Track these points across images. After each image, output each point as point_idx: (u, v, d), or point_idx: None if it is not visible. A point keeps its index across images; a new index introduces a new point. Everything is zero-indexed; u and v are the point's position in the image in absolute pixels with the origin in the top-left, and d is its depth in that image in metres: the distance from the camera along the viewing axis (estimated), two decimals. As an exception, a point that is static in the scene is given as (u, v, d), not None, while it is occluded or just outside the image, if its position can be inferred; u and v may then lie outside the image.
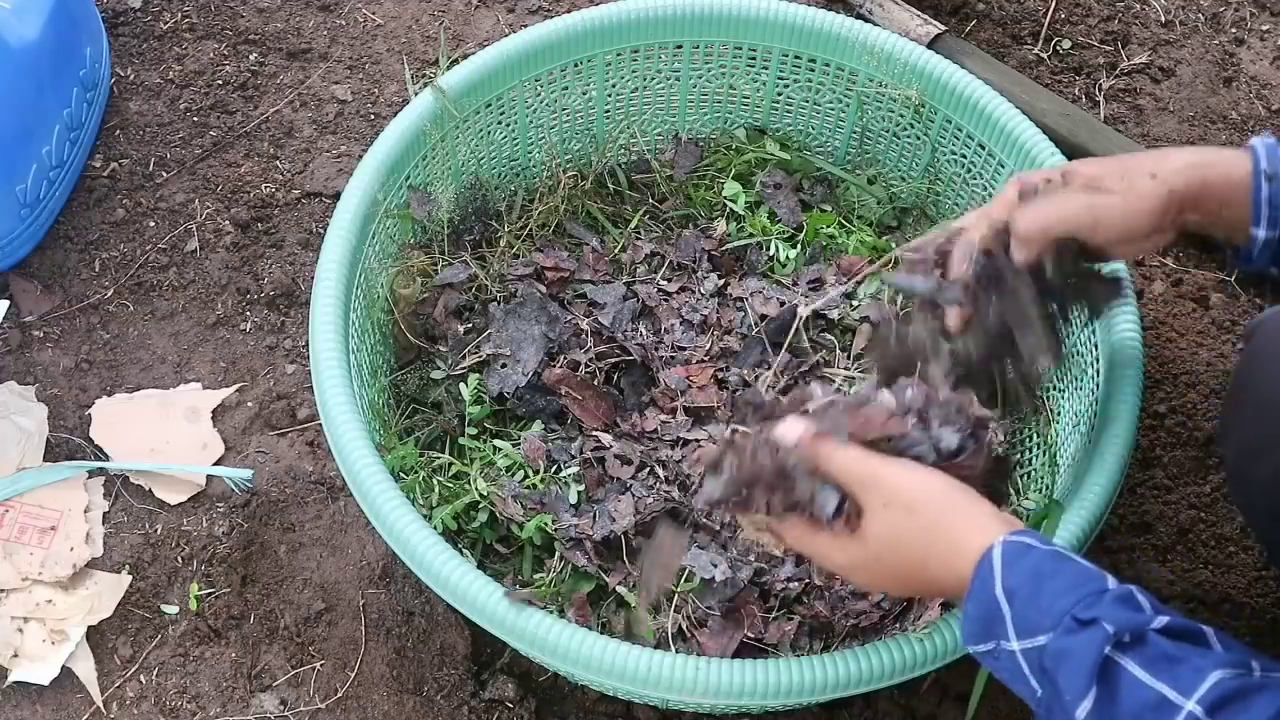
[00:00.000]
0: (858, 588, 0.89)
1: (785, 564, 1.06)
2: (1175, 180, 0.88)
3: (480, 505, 1.08)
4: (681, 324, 1.20)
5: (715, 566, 1.04)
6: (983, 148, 1.20)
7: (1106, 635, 0.71)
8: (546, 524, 1.06)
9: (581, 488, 1.09)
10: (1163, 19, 1.59)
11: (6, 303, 1.28)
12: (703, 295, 1.21)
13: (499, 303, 1.18)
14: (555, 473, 1.11)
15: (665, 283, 1.22)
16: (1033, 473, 1.14)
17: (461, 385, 1.14)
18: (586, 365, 1.15)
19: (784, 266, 1.25)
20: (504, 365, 1.15)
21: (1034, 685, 0.75)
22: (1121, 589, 0.74)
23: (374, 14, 1.57)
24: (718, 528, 1.08)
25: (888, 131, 1.28)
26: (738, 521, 0.90)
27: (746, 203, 1.27)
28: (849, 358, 1.18)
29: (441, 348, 1.18)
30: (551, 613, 0.94)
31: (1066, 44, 1.56)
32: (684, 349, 1.18)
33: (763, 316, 1.20)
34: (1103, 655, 0.71)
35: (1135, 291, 1.09)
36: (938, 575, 0.80)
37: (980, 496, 0.81)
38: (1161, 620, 0.72)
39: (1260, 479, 0.89)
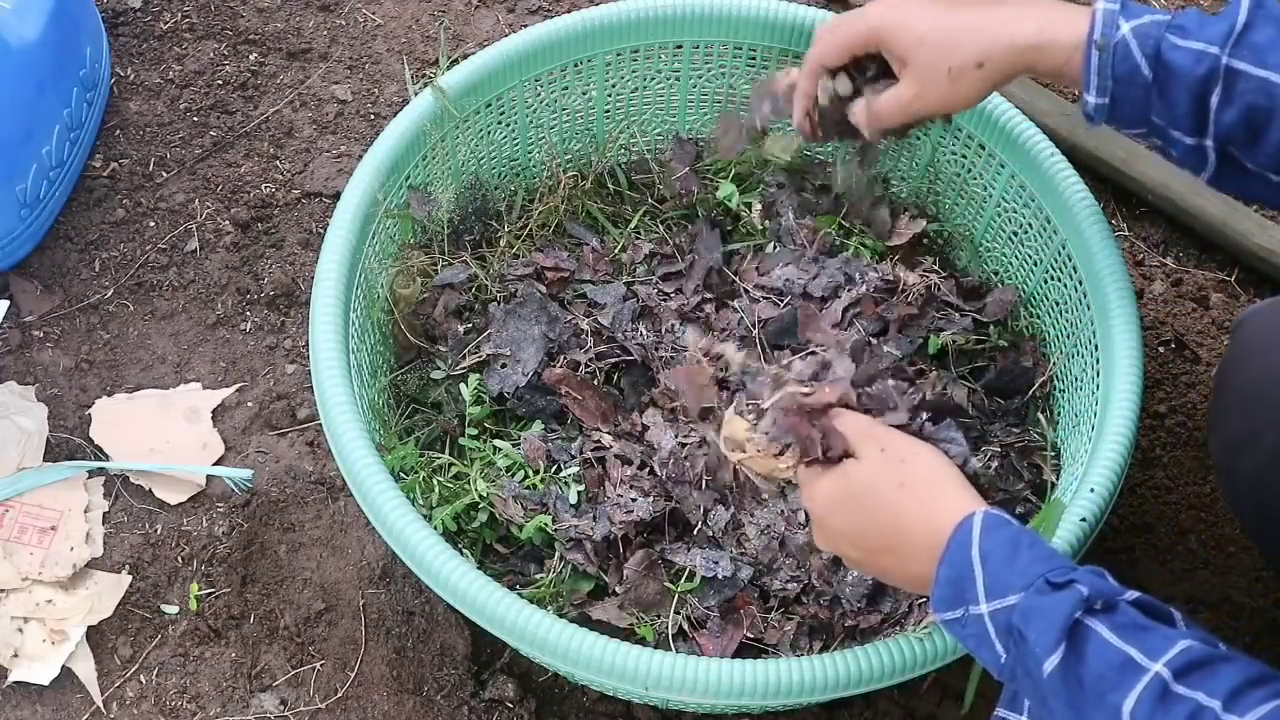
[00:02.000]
0: (823, 539, 0.90)
1: (783, 569, 1.06)
2: (1003, 69, 0.91)
3: (480, 505, 1.08)
4: (682, 323, 1.20)
5: (717, 564, 1.04)
6: (983, 148, 1.20)
7: (1080, 596, 0.73)
8: (546, 524, 1.06)
9: (581, 488, 1.09)
10: (1163, 19, 1.59)
11: (6, 303, 1.28)
12: (707, 296, 1.21)
13: (499, 303, 1.18)
14: (555, 473, 1.11)
15: (664, 283, 1.22)
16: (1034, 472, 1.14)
17: (461, 385, 1.14)
18: (586, 365, 1.15)
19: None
20: (504, 365, 1.15)
21: (999, 650, 0.77)
22: (1094, 567, 0.76)
23: (374, 14, 1.57)
24: (716, 534, 1.08)
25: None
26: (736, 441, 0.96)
27: (743, 202, 1.27)
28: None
29: (441, 348, 1.18)
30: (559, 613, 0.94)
31: (1066, 44, 1.56)
32: (685, 349, 1.18)
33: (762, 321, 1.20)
34: (1074, 616, 0.72)
35: (1135, 291, 1.09)
36: (912, 530, 0.82)
37: (969, 482, 0.84)
38: (1133, 595, 0.74)
39: (1244, 473, 0.89)
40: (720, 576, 1.04)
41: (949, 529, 0.80)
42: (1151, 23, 0.87)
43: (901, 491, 0.83)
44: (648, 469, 1.11)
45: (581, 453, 1.12)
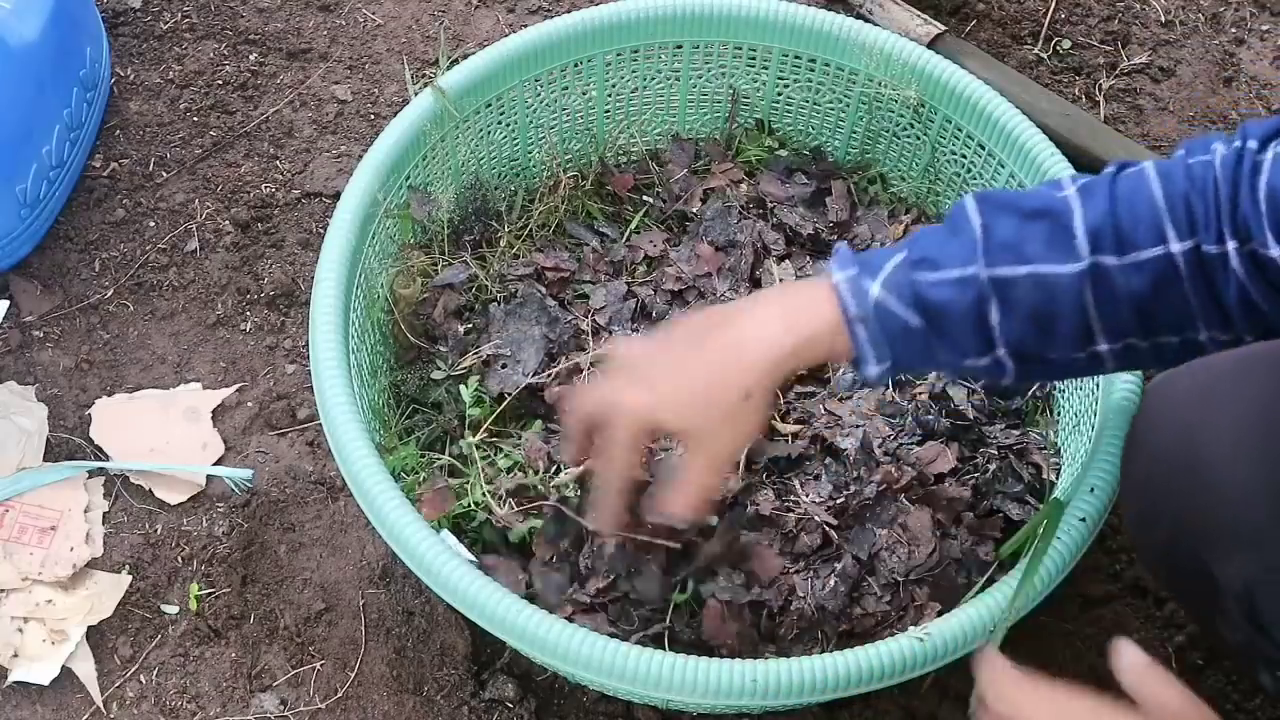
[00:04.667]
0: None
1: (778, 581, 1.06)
2: (772, 385, 0.85)
3: (479, 505, 1.07)
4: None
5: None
6: (983, 148, 1.20)
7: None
8: (533, 527, 1.05)
9: (579, 492, 1.09)
10: (1163, 19, 1.60)
11: (6, 303, 1.28)
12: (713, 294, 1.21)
13: (499, 303, 1.18)
14: (555, 473, 1.10)
15: (671, 284, 1.22)
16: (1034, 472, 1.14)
17: (461, 387, 1.14)
18: (588, 368, 1.15)
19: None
20: (504, 365, 1.15)
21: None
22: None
23: (374, 14, 1.57)
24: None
25: (888, 131, 1.28)
26: None
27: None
28: None
29: (441, 348, 1.18)
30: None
31: (1066, 44, 1.56)
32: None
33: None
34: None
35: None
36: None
37: None
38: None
39: (1153, 550, 0.87)
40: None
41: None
42: (895, 268, 0.82)
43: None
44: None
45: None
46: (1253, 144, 0.77)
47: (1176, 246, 0.78)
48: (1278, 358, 0.76)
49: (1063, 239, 0.79)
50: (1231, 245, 0.76)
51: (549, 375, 1.14)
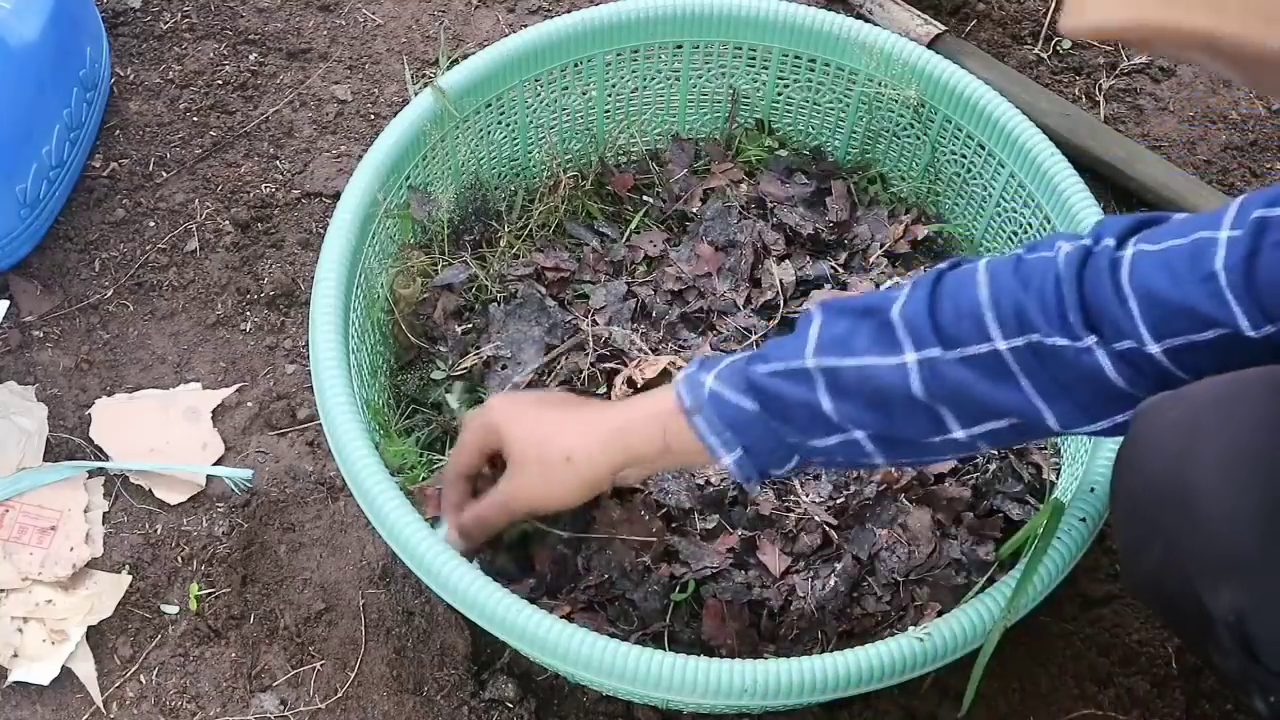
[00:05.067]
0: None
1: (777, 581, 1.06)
2: (593, 460, 0.92)
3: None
4: (682, 322, 1.20)
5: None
6: (983, 148, 1.20)
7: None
8: (528, 529, 1.05)
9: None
10: (1163, 19, 1.59)
11: (6, 303, 1.28)
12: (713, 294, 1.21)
13: (499, 303, 1.18)
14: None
15: (673, 283, 1.22)
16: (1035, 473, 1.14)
17: (447, 395, 1.14)
18: (589, 368, 1.15)
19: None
20: (504, 366, 1.15)
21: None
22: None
23: (374, 14, 1.57)
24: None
25: (888, 131, 1.28)
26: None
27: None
28: None
29: (441, 348, 1.18)
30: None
31: (1066, 44, 1.56)
32: (687, 348, 1.18)
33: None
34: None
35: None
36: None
37: None
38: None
39: (1142, 576, 0.87)
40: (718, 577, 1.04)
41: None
42: (731, 365, 0.88)
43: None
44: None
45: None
46: (1109, 241, 0.80)
47: (1003, 344, 0.81)
48: (1262, 388, 0.76)
49: (886, 334, 0.84)
50: (1090, 339, 0.79)
51: (549, 375, 1.14)
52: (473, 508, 0.98)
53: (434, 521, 0.99)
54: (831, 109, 1.29)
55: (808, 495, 1.08)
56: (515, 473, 0.95)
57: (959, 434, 0.85)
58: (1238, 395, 0.76)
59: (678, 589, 1.04)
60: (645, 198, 1.29)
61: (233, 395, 1.29)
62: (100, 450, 1.25)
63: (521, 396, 1.05)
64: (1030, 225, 1.17)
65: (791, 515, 1.07)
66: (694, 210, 1.27)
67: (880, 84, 1.23)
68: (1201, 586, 0.76)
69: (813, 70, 1.26)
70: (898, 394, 0.83)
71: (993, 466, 1.11)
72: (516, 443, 0.95)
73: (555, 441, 0.93)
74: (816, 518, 1.06)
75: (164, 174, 1.43)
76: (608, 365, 1.15)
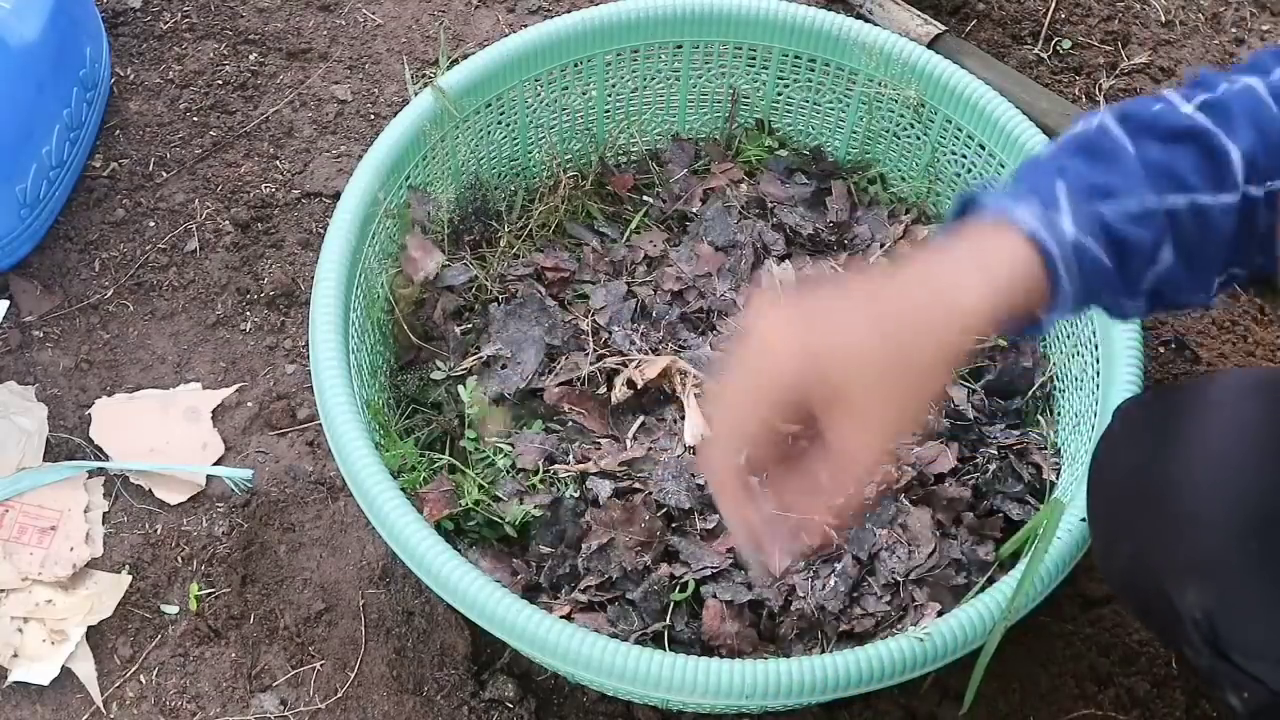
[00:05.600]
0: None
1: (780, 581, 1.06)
2: (956, 356, 0.68)
3: (479, 504, 1.08)
4: (682, 323, 1.20)
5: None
6: (983, 148, 1.20)
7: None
8: (529, 512, 1.05)
9: (578, 493, 1.09)
10: (1163, 19, 1.59)
11: (6, 303, 1.28)
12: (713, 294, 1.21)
13: (499, 303, 1.18)
14: (555, 473, 1.10)
15: (672, 283, 1.22)
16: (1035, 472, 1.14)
17: (460, 387, 1.14)
18: (588, 369, 1.15)
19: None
20: (504, 366, 1.15)
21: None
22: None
23: (374, 14, 1.57)
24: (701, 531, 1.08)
25: (888, 131, 1.28)
26: None
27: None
28: None
29: (441, 348, 1.17)
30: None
31: (1066, 44, 1.56)
32: (688, 348, 1.18)
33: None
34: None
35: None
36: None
37: None
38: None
39: (1115, 574, 0.87)
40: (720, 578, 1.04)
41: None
42: (1074, 202, 0.69)
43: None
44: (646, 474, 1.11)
45: (584, 457, 1.11)
46: None
47: None
48: (1236, 393, 0.76)
49: (1215, 166, 0.70)
50: None
51: (549, 376, 1.14)
52: (804, 495, 0.72)
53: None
54: (831, 109, 1.29)
55: (808, 495, 1.08)
56: (867, 417, 0.67)
57: (1218, 279, 0.74)
58: (1212, 398, 0.76)
59: (678, 589, 1.04)
60: (645, 198, 1.29)
61: (233, 395, 1.29)
62: (100, 450, 1.25)
63: (792, 304, 0.70)
64: (1030, 225, 1.17)
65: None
66: (694, 210, 1.27)
67: (880, 84, 1.23)
68: (1170, 585, 0.76)
69: (813, 70, 1.26)
70: (1212, 239, 0.71)
71: (993, 466, 1.11)
72: (858, 379, 0.66)
73: (907, 358, 0.66)
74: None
75: (164, 174, 1.43)
76: (608, 365, 1.15)
